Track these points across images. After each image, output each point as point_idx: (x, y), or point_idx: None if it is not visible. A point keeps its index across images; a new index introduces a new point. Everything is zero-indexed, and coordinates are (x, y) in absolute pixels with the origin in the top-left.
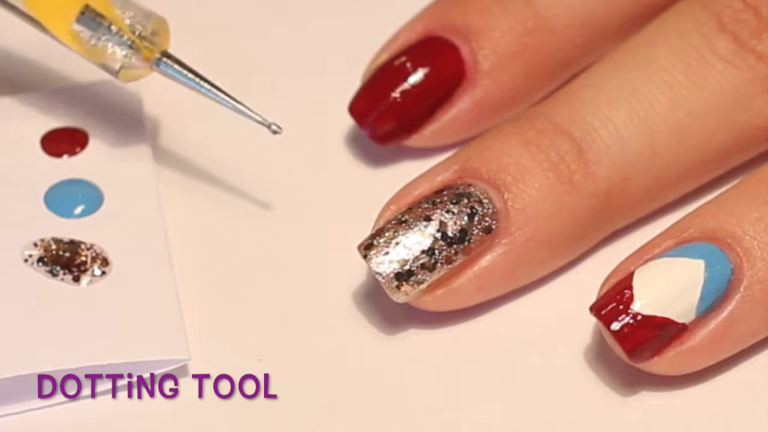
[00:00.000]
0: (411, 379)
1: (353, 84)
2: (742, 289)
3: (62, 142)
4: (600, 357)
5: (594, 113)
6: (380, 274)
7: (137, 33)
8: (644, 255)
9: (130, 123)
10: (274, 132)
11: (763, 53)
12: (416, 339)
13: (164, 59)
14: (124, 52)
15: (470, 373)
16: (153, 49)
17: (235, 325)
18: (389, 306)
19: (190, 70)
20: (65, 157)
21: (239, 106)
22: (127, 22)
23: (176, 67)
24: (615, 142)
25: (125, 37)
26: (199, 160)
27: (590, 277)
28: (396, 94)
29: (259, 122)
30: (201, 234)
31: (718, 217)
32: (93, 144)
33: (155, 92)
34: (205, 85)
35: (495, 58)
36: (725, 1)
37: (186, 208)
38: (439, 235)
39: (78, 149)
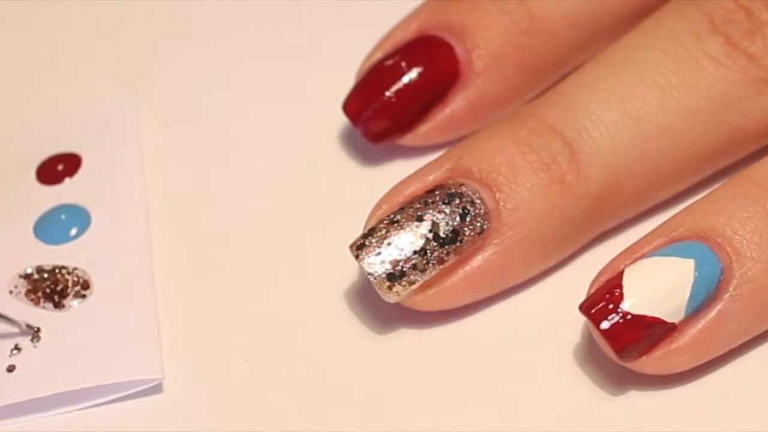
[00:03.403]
0: (402, 378)
1: (347, 82)
2: (731, 289)
3: (56, 170)
4: (589, 356)
5: (586, 114)
6: (372, 275)
7: None
8: (634, 254)
9: (122, 144)
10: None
11: (755, 55)
12: (407, 338)
13: None
14: None
15: (460, 373)
16: None
17: (225, 325)
18: (380, 305)
19: None
20: (60, 183)
21: None
22: None
23: None
24: (606, 143)
25: None
26: (187, 158)
27: (580, 276)
28: (390, 92)
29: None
30: (191, 233)
31: (708, 216)
32: (85, 167)
33: (148, 109)
34: None
35: (489, 58)
36: (717, 1)
37: (175, 208)
38: (431, 235)
39: (71, 174)
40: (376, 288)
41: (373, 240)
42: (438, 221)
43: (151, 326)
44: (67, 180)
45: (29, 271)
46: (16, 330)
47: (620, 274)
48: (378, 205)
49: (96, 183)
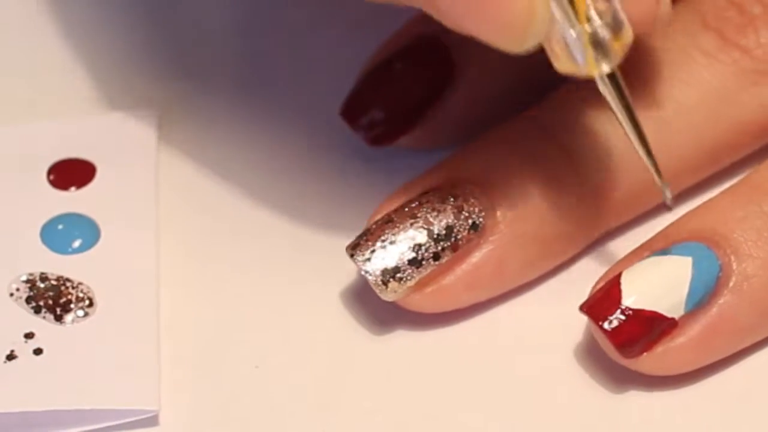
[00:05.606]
0: (402, 381)
1: (346, 87)
2: (730, 285)
3: (69, 175)
4: (591, 358)
5: (582, 115)
6: (367, 272)
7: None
8: (634, 259)
9: (140, 159)
10: (668, 208)
11: (747, 47)
12: (407, 342)
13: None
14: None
15: (461, 375)
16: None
17: (227, 326)
18: (380, 309)
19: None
20: (71, 189)
21: (648, 159)
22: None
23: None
24: (602, 144)
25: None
26: (192, 160)
27: (581, 279)
28: (387, 96)
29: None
30: (193, 237)
31: (705, 217)
32: (99, 178)
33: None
34: (628, 123)
35: (486, 61)
36: (710, 1)
37: (179, 213)
38: (425, 232)
39: (84, 182)
40: (373, 286)
41: (368, 239)
42: (431, 219)
43: (151, 356)
44: (73, 189)
45: (32, 277)
46: None
47: (619, 275)
48: (373, 215)
49: (109, 197)
